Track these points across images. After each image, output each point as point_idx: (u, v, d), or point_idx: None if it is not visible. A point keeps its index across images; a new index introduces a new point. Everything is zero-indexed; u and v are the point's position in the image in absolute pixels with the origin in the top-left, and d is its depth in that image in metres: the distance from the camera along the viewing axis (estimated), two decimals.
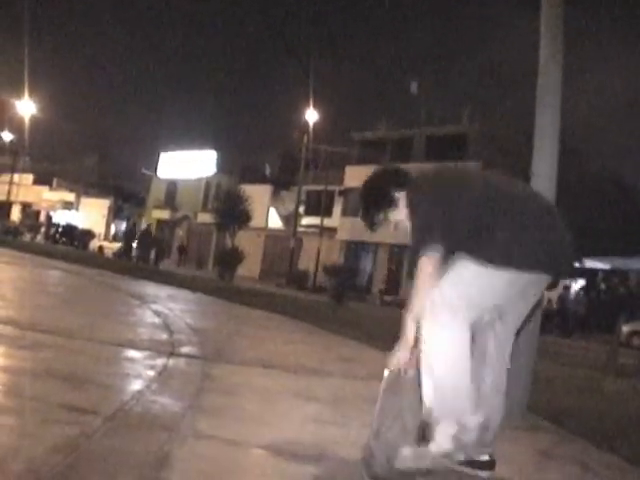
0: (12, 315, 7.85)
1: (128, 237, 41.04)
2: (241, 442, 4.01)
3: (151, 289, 16.17)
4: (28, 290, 11.68)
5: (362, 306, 28.10)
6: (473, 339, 3.73)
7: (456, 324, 3.63)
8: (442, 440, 3.61)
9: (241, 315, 13.89)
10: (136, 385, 5.05)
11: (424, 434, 3.67)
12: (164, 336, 8.03)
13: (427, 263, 3.81)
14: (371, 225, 4.41)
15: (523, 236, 3.62)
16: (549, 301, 31.70)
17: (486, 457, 3.72)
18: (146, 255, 38.03)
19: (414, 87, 54.72)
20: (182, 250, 55.06)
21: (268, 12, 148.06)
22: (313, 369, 7.48)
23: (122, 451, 3.43)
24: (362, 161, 51.63)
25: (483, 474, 3.69)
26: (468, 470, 3.68)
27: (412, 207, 4.01)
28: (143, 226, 54.76)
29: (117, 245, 53.66)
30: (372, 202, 4.35)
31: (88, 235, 57.56)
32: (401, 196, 4.14)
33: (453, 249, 3.82)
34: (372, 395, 6.13)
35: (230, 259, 33.03)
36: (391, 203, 4.19)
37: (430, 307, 3.71)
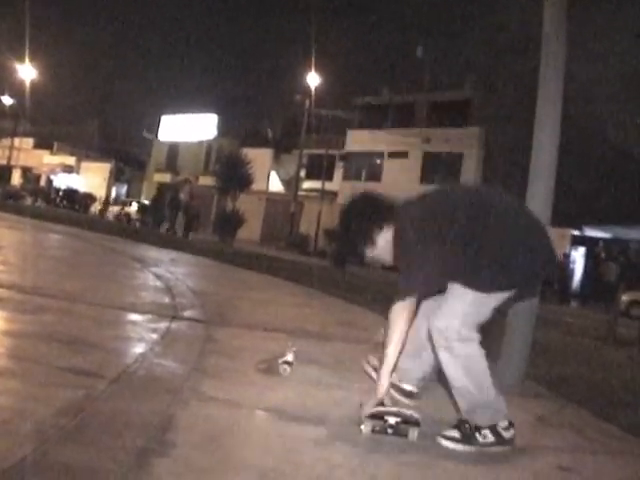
0: (15, 279, 7.88)
1: (172, 208, 37.76)
2: (243, 404, 4.07)
3: (152, 252, 16.21)
4: (30, 254, 11.69)
5: (363, 270, 28.07)
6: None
7: (469, 349, 4.00)
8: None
9: (242, 279, 13.95)
10: (139, 348, 5.09)
11: None
12: (166, 299, 8.07)
13: (404, 309, 4.04)
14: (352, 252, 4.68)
15: (506, 263, 3.96)
16: None
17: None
18: (173, 223, 35.93)
19: (420, 51, 54.48)
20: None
21: None
22: (315, 332, 7.54)
23: (127, 413, 3.47)
24: (364, 125, 51.57)
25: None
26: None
27: (401, 249, 4.17)
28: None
29: (117, 208, 53.62)
30: (351, 236, 4.37)
31: (89, 198, 57.50)
32: (382, 234, 4.21)
33: (442, 286, 4.19)
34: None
35: (231, 222, 33.03)
36: (369, 239, 4.23)
37: (445, 343, 3.99)
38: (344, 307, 10.96)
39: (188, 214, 35.23)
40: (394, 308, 4.04)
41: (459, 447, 3.94)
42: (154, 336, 5.63)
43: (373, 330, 7.69)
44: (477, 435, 3.97)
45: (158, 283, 9.58)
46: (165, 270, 11.57)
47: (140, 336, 5.60)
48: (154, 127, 72.66)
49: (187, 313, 7.26)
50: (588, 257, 39.98)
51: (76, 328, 5.46)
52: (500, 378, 4.47)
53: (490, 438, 3.97)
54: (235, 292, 10.97)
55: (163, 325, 6.21)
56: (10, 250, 11.72)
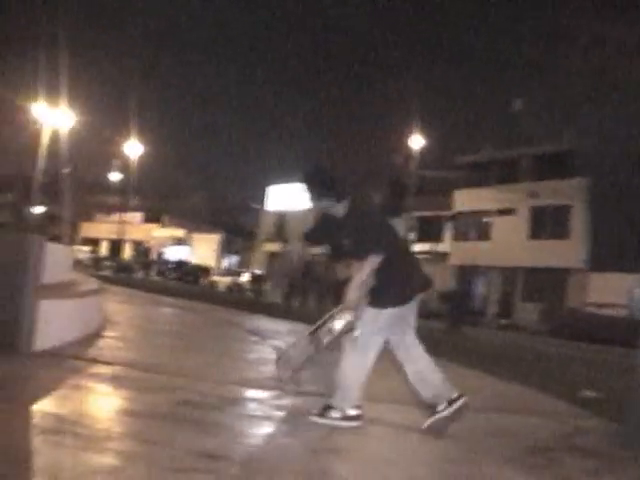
0: (133, 357, 7.99)
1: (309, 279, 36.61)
2: None
3: (268, 324, 16.21)
4: (146, 330, 11.84)
5: (477, 331, 27.71)
6: (395, 344, 5.90)
7: (365, 354, 5.70)
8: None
9: None
10: (266, 428, 5.06)
11: None
12: (287, 374, 8.05)
13: (374, 262, 5.53)
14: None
15: (403, 284, 5.73)
16: None
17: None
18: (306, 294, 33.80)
19: (518, 105, 54.06)
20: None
21: (366, 38, 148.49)
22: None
23: None
24: (469, 184, 51.18)
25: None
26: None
27: (364, 218, 5.74)
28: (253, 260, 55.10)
29: (228, 279, 54.19)
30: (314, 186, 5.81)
31: (200, 270, 58.33)
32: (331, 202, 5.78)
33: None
34: (494, 429, 6.05)
35: (326, 286, 32.89)
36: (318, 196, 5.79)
37: (351, 345, 5.69)
38: (464, 372, 10.75)
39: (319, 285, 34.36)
40: (370, 258, 5.50)
41: None
42: (280, 414, 5.60)
43: (494, 398, 7.57)
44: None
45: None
46: (283, 342, 11.54)
47: (265, 414, 5.56)
48: (261, 197, 73.55)
49: (309, 387, 7.20)
50: None
51: (199, 407, 5.45)
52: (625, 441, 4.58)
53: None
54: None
55: (287, 401, 6.18)
56: (126, 326, 11.84)
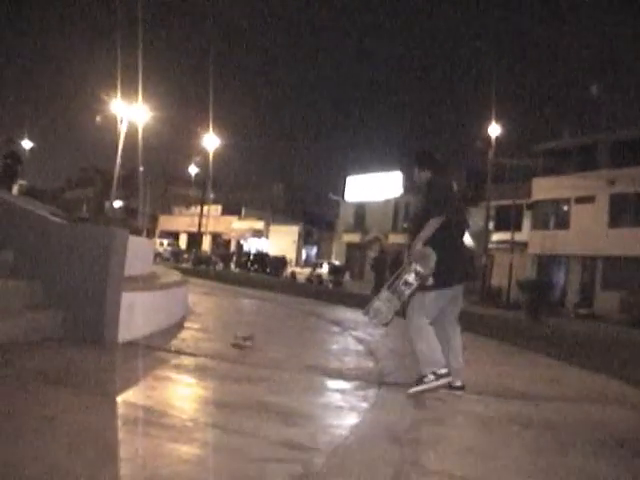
0: (217, 348, 8.02)
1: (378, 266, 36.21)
2: (467, 478, 3.92)
3: (349, 314, 16.14)
4: (228, 321, 11.85)
5: (557, 321, 27.35)
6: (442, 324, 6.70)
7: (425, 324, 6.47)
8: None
9: None
10: (352, 418, 5.04)
11: None
12: (370, 364, 8.03)
13: (438, 222, 6.39)
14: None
15: (456, 266, 6.63)
16: None
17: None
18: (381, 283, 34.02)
19: (595, 90, 53.27)
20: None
21: (446, 25, 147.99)
22: (521, 392, 7.30)
23: None
24: (547, 172, 50.48)
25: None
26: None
27: (434, 185, 6.81)
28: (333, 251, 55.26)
29: (307, 270, 54.32)
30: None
31: (280, 262, 58.56)
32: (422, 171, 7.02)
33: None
34: (582, 420, 5.95)
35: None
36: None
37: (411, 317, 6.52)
38: (545, 362, 10.62)
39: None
40: (433, 219, 6.39)
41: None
42: (364, 405, 5.58)
43: (579, 387, 7.47)
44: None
45: (360, 347, 9.54)
46: (364, 332, 11.53)
47: (350, 405, 5.55)
48: (340, 188, 73.56)
49: (393, 377, 7.19)
50: None
51: (286, 398, 5.45)
52: None
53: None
54: None
55: (372, 392, 6.17)
56: (208, 317, 11.92)
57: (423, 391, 6.15)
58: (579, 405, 6.92)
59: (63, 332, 6.67)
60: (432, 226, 6.35)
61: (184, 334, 8.74)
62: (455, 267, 6.60)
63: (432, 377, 6.15)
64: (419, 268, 6.37)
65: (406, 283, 6.45)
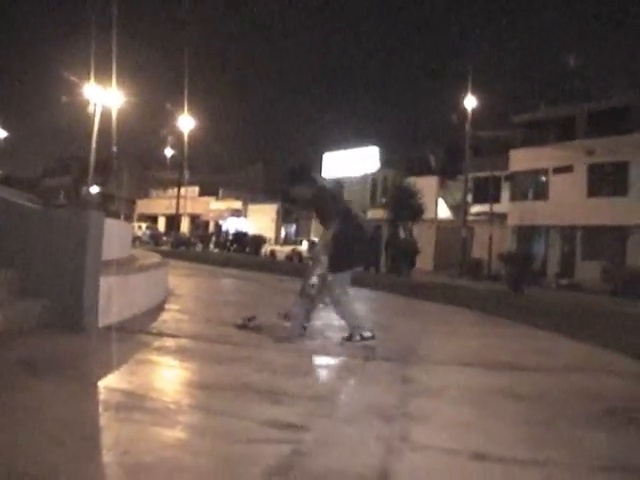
0: (199, 329, 8.00)
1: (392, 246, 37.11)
2: (461, 451, 3.84)
3: None
4: (210, 301, 11.83)
5: (539, 292, 27.43)
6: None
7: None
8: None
9: (424, 311, 13.76)
10: (340, 395, 4.99)
11: None
12: (356, 338, 7.99)
13: (329, 234, 7.68)
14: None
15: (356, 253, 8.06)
16: None
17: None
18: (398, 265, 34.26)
19: (571, 60, 53.27)
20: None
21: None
22: (509, 363, 7.26)
23: (340, 469, 3.33)
24: (525, 143, 50.57)
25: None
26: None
27: (323, 202, 7.99)
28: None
29: (288, 248, 54.30)
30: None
31: (259, 240, 58.49)
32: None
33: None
34: (572, 389, 5.92)
35: (407, 253, 32.61)
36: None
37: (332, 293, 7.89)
38: (531, 333, 10.61)
39: (409, 250, 33.65)
40: (326, 232, 7.79)
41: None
42: (351, 381, 5.53)
43: (568, 358, 7.44)
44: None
45: (343, 322, 9.46)
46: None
47: (341, 379, 5.52)
48: (317, 165, 73.47)
49: (378, 351, 7.13)
50: None
51: (271, 377, 5.37)
52: None
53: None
54: (420, 325, 10.73)
55: (358, 367, 6.11)
56: (189, 298, 11.86)
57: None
58: (568, 375, 6.88)
59: (42, 320, 6.53)
60: (324, 239, 7.85)
61: (165, 316, 8.66)
62: (347, 258, 7.93)
63: (358, 338, 7.51)
64: (320, 270, 7.75)
65: (313, 285, 7.75)
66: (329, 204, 7.92)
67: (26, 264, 6.85)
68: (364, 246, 8.95)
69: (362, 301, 13.38)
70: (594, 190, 44.27)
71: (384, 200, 56.37)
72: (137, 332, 7.10)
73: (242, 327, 7.94)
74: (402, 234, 35.75)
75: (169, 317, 8.59)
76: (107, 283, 6.99)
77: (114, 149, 56.60)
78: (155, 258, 12.09)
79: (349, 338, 7.60)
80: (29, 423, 3.63)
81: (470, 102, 47.70)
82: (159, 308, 9.30)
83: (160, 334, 7.09)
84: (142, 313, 8.32)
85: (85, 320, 6.62)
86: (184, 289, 13.12)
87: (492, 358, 7.56)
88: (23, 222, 7.22)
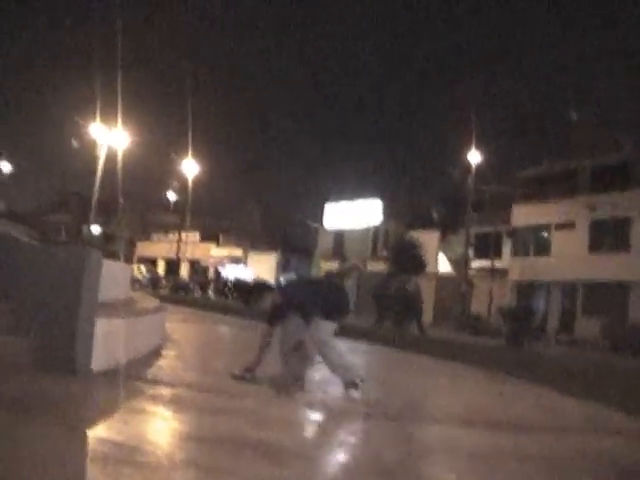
0: (194, 377, 7.81)
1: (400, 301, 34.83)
2: None
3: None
4: (206, 348, 11.70)
5: (538, 347, 27.18)
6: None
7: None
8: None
9: (424, 366, 13.54)
10: (343, 454, 4.77)
11: None
12: (356, 394, 7.73)
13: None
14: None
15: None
16: None
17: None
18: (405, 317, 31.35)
19: (573, 116, 53.27)
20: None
21: (423, 48, 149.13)
22: (513, 423, 7.02)
23: None
24: (528, 199, 50.56)
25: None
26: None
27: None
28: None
29: None
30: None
31: (262, 286, 58.15)
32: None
33: None
34: (579, 451, 5.69)
35: (409, 307, 32.25)
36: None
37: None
38: (533, 390, 10.40)
39: (416, 305, 32.81)
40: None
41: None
42: (352, 439, 5.29)
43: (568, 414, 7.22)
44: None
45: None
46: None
47: (338, 439, 5.26)
48: (318, 215, 73.48)
49: (379, 408, 6.90)
50: None
51: (268, 432, 5.14)
52: None
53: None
54: (420, 381, 10.51)
55: (358, 425, 5.89)
56: (186, 344, 11.73)
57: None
58: (574, 435, 6.68)
59: (34, 359, 6.34)
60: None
61: (161, 362, 8.51)
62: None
63: (351, 386, 7.26)
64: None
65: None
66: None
67: (20, 300, 6.72)
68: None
69: (359, 354, 13.13)
70: (596, 246, 44.12)
71: (385, 252, 56.31)
72: (132, 378, 6.86)
73: (239, 378, 7.70)
74: (409, 286, 35.16)
75: (165, 363, 8.43)
76: (103, 325, 6.79)
77: (120, 200, 56.67)
78: (153, 302, 11.92)
79: (346, 389, 7.29)
80: (10, 468, 3.41)
81: (473, 157, 47.71)
82: (155, 353, 9.09)
83: (155, 381, 6.93)
84: (138, 358, 8.08)
85: (78, 362, 6.42)
86: (181, 334, 12.92)
87: (496, 417, 7.40)
88: (20, 257, 7.07)
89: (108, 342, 6.94)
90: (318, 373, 8.79)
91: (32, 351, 6.37)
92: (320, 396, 7.48)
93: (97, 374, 6.52)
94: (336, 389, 7.66)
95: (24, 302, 6.67)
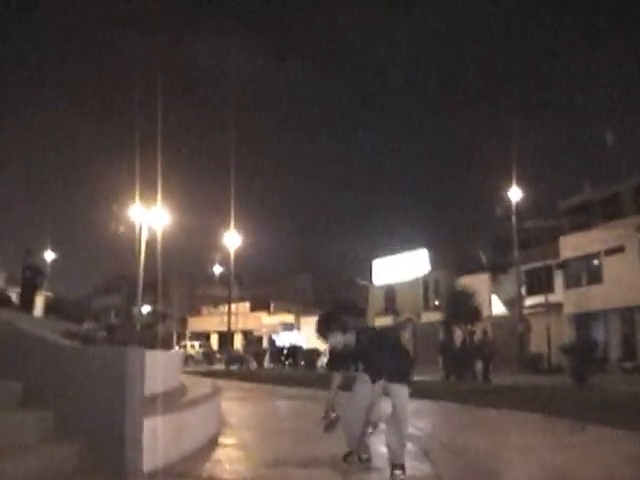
0: (257, 469, 7.23)
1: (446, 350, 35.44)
2: None
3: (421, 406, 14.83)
4: (267, 430, 10.98)
5: (604, 380, 26.30)
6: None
7: None
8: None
9: (489, 420, 12.93)
10: None
11: None
12: (426, 468, 7.23)
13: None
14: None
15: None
16: None
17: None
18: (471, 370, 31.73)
19: (610, 138, 52.60)
20: None
21: (458, 90, 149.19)
22: None
23: None
24: (574, 229, 50.02)
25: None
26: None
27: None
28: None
29: None
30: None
31: (313, 353, 57.67)
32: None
33: None
34: None
35: (475, 356, 31.72)
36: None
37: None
38: (613, 436, 9.72)
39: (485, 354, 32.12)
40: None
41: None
42: None
43: None
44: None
45: (410, 445, 8.40)
46: (413, 426, 10.28)
47: None
48: (366, 272, 73.37)
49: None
50: None
51: None
52: None
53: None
54: (489, 440, 9.88)
55: None
56: (245, 428, 11.10)
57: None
58: None
59: (81, 464, 6.05)
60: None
61: (218, 454, 8.00)
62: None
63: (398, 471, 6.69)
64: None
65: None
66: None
67: (62, 406, 6.45)
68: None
69: (423, 415, 12.61)
70: None
71: (437, 302, 55.99)
72: (187, 476, 6.50)
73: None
74: (478, 336, 34.72)
75: (223, 456, 7.89)
76: (151, 423, 6.49)
77: (159, 279, 56.72)
78: (207, 387, 11.48)
79: (394, 470, 6.67)
80: None
81: (514, 194, 47.34)
82: (212, 444, 8.60)
83: (213, 479, 6.48)
84: (193, 452, 7.64)
85: (128, 464, 6.14)
86: (239, 417, 12.42)
87: (582, 478, 6.75)
88: (58, 361, 6.85)
89: (158, 439, 6.62)
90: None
91: (79, 457, 6.10)
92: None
93: (149, 475, 6.20)
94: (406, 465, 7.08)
95: (66, 407, 6.42)
